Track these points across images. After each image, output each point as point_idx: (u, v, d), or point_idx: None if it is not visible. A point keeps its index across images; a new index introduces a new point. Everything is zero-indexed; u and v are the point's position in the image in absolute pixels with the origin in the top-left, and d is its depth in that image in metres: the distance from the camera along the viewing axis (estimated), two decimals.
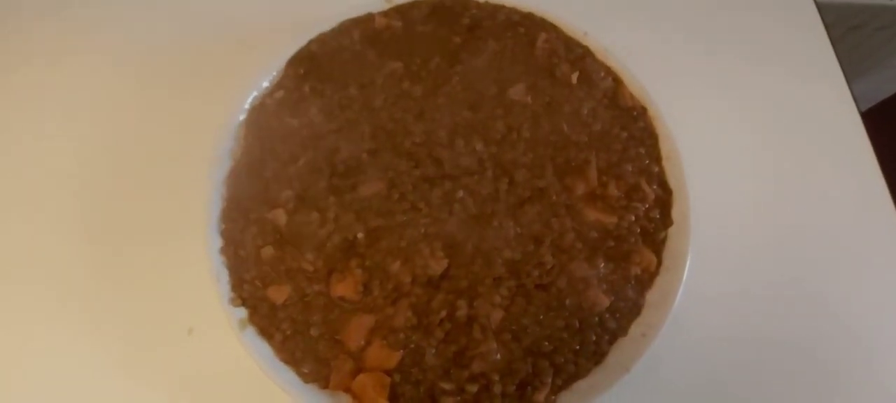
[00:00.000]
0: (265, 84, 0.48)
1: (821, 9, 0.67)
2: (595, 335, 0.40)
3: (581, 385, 0.39)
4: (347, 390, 0.37)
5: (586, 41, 0.51)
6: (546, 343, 0.39)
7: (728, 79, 0.58)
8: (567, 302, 0.40)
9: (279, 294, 0.40)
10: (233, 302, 0.40)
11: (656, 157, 0.47)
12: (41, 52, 0.55)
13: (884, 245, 0.51)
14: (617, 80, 0.50)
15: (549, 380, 0.38)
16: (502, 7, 0.53)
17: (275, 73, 0.49)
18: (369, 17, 0.52)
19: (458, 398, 0.37)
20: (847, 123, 0.57)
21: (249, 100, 0.47)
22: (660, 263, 0.42)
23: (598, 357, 0.40)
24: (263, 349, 0.38)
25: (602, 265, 0.42)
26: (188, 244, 0.43)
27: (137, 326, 0.44)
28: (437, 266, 0.40)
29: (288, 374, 0.38)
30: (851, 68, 0.65)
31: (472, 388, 0.37)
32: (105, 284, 0.46)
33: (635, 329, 0.41)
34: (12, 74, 0.54)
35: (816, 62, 0.61)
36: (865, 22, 0.87)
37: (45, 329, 0.44)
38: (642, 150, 0.46)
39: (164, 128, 0.51)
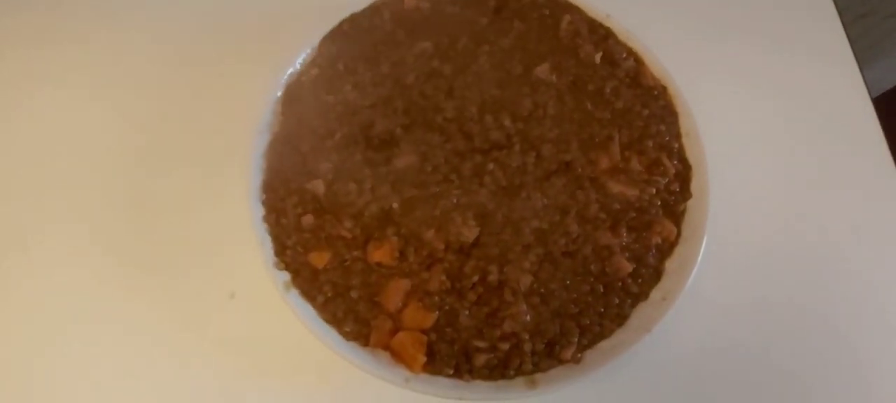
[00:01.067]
0: (299, 62, 0.50)
1: None
2: (618, 298, 0.42)
3: (605, 344, 0.41)
4: (386, 347, 0.40)
5: (609, 23, 0.53)
6: (572, 306, 0.42)
7: (743, 61, 0.60)
8: (592, 268, 0.43)
9: (320, 259, 0.42)
10: (277, 266, 0.42)
11: (676, 134, 0.49)
12: (79, 29, 0.57)
13: (892, 223, 0.54)
14: (638, 61, 0.52)
15: (576, 340, 0.40)
16: None
17: (309, 51, 0.51)
18: None
19: (491, 355, 0.40)
20: (858, 108, 0.59)
21: (285, 77, 0.49)
22: (679, 234, 0.45)
23: (620, 319, 0.42)
24: (307, 309, 0.41)
25: (625, 234, 0.44)
26: (229, 213, 0.45)
27: (181, 292, 0.47)
28: (469, 233, 0.43)
29: (331, 333, 0.40)
30: (861, 55, 0.67)
31: (504, 346, 0.40)
32: (148, 253, 0.48)
33: (656, 293, 0.43)
34: (49, 49, 0.56)
35: (829, 47, 0.63)
36: (874, 9, 0.88)
37: (90, 298, 0.46)
38: (663, 127, 0.49)
39: (201, 104, 0.53)
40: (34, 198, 0.49)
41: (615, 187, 0.45)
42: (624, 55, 0.52)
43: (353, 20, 0.52)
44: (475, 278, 0.42)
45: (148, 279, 0.47)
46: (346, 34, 0.52)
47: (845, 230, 0.53)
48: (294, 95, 0.48)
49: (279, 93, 0.48)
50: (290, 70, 0.49)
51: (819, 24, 0.65)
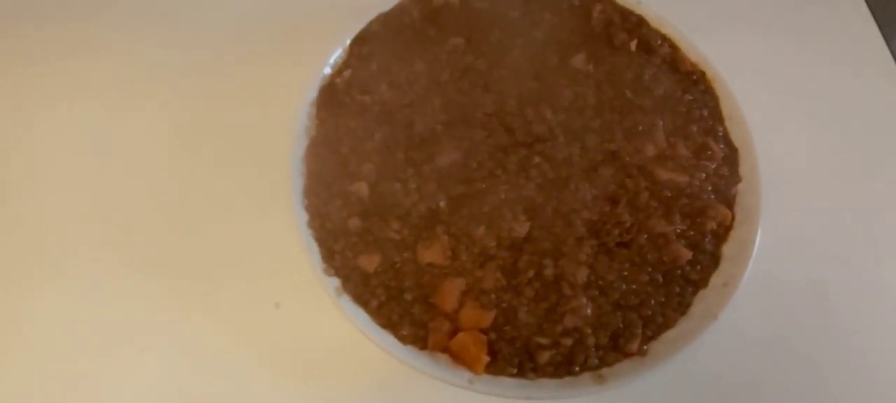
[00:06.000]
0: (331, 64, 0.49)
1: None
2: (678, 287, 0.41)
3: (670, 335, 0.40)
4: (445, 350, 0.39)
5: (640, 10, 0.53)
6: (633, 297, 0.40)
7: (783, 40, 0.59)
8: (649, 257, 0.42)
9: (370, 262, 0.41)
10: (326, 271, 0.41)
11: (719, 118, 0.48)
12: (110, 40, 0.55)
13: None
14: (673, 46, 0.51)
15: (640, 331, 0.39)
16: None
17: (340, 53, 0.50)
18: None
19: (554, 351, 0.38)
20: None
21: (319, 79, 0.48)
22: (734, 217, 0.44)
23: (683, 307, 0.41)
24: (361, 315, 0.39)
25: (678, 221, 0.43)
26: (270, 221, 0.45)
27: (224, 304, 0.45)
28: (521, 228, 0.42)
29: (388, 337, 0.39)
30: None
31: (567, 341, 0.39)
32: (189, 266, 0.46)
33: (716, 279, 0.42)
34: (81, 61, 0.54)
35: (861, 29, 0.63)
36: None
37: (132, 317, 0.45)
38: (705, 112, 0.48)
39: (235, 112, 0.51)
40: (70, 216, 0.47)
41: (664, 174, 0.45)
42: (659, 42, 0.51)
43: (383, 19, 0.51)
44: (531, 273, 0.40)
45: (189, 293, 0.45)
46: (376, 34, 0.51)
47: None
48: (329, 98, 0.47)
49: (314, 96, 0.47)
50: (323, 72, 0.49)
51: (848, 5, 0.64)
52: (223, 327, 0.44)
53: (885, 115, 0.57)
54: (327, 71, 0.49)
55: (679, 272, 0.41)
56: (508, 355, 0.38)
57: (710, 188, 0.45)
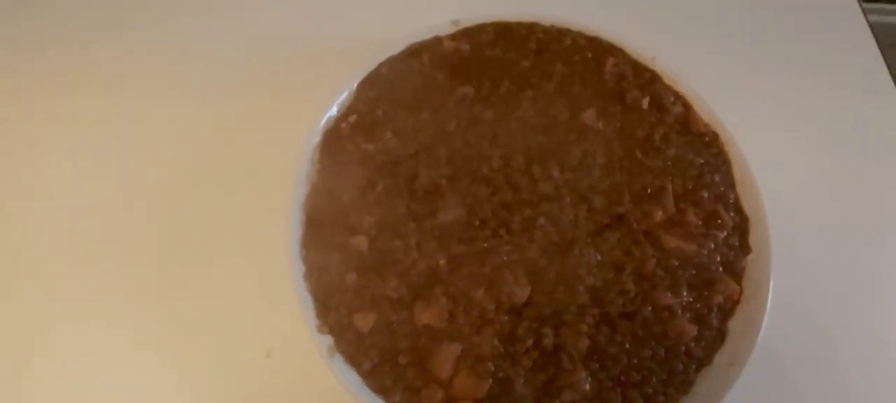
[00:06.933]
0: (336, 107, 0.48)
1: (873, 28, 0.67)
2: (682, 364, 0.40)
3: None
4: None
5: (654, 65, 0.52)
6: (634, 373, 0.39)
7: (795, 101, 0.58)
8: (653, 330, 0.40)
9: (365, 321, 0.40)
10: (320, 329, 0.40)
11: (731, 183, 0.47)
12: (107, 76, 0.55)
13: None
14: (686, 105, 0.50)
15: None
16: (568, 31, 0.53)
17: (346, 96, 0.49)
18: (437, 41, 0.52)
19: None
20: None
21: (323, 123, 0.47)
22: (742, 291, 0.43)
23: (686, 386, 0.40)
24: (353, 377, 0.38)
25: (685, 293, 0.42)
26: (266, 267, 0.44)
27: (213, 349, 0.44)
28: (522, 293, 0.41)
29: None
30: None
31: None
32: (180, 308, 0.46)
33: (720, 357, 0.41)
34: (76, 97, 0.54)
35: (872, 80, 0.62)
36: None
37: (122, 351, 0.44)
38: (717, 177, 0.47)
39: (235, 154, 0.51)
40: (58, 252, 0.47)
41: (672, 242, 0.43)
42: (672, 100, 0.50)
43: (391, 63, 0.51)
44: (529, 342, 0.39)
45: (179, 335, 0.45)
46: (384, 78, 0.50)
47: None
48: (332, 144, 0.47)
49: (317, 141, 0.47)
50: (328, 116, 0.48)
51: (861, 56, 0.63)
52: (212, 371, 0.43)
53: None
54: (332, 114, 0.48)
55: (683, 348, 0.40)
56: None
57: (718, 258, 0.43)
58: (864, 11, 0.67)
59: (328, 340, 0.40)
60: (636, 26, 0.53)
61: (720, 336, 0.41)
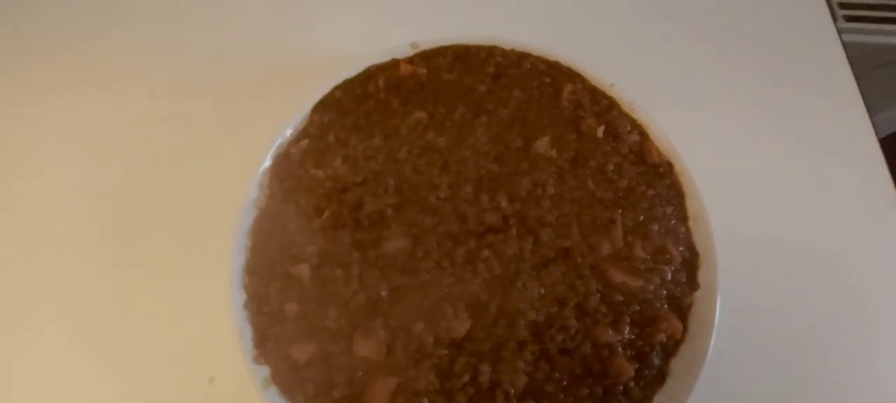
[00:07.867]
0: (289, 131, 0.48)
1: (846, 47, 0.66)
2: None
3: None
4: None
5: (612, 92, 0.51)
6: None
7: (757, 126, 0.57)
8: (592, 368, 0.40)
9: (302, 352, 0.40)
10: (256, 360, 0.40)
11: (683, 217, 0.46)
12: (58, 88, 0.55)
13: None
14: (643, 134, 0.49)
15: None
16: (528, 55, 0.52)
17: (300, 119, 0.49)
18: (394, 63, 0.52)
19: None
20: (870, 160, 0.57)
21: (274, 147, 0.47)
22: (686, 330, 0.42)
23: None
24: None
25: (627, 330, 0.41)
26: (209, 293, 0.43)
27: (157, 375, 0.45)
28: (461, 327, 0.40)
29: None
30: (872, 104, 0.64)
31: None
32: (126, 330, 0.46)
33: (660, 398, 0.40)
34: (38, 105, 0.54)
35: (840, 97, 0.61)
36: (891, 60, 0.86)
37: (64, 372, 0.45)
38: (669, 209, 0.46)
39: (184, 175, 0.51)
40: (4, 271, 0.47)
41: (618, 276, 0.43)
42: (628, 128, 0.49)
43: (347, 87, 0.50)
44: (466, 377, 0.39)
45: (122, 356, 0.45)
46: (338, 102, 0.50)
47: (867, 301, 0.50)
48: (282, 169, 0.46)
49: (267, 165, 0.47)
50: (280, 140, 0.48)
51: (832, 79, 0.62)
52: (156, 394, 0.44)
53: (873, 233, 0.54)
54: (285, 138, 0.48)
55: (621, 388, 0.40)
56: None
57: (664, 293, 0.43)
58: (840, 33, 0.66)
59: (265, 371, 0.39)
60: (597, 53, 0.53)
61: (661, 376, 0.41)
